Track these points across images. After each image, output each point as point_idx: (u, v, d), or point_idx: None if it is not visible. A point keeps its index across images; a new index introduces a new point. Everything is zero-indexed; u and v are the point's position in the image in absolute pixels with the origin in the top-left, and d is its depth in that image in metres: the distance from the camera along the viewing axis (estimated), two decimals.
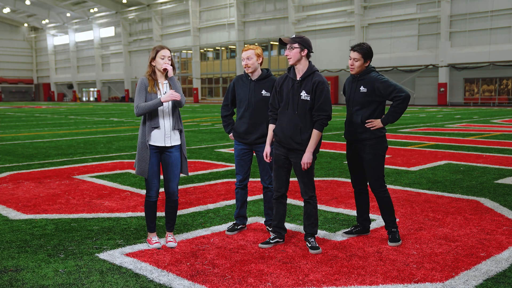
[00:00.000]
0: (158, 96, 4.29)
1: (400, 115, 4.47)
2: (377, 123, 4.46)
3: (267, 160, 4.48)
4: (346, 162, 4.84)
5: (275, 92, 4.42)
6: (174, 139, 4.39)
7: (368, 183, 4.71)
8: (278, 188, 4.43)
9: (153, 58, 4.33)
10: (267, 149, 4.46)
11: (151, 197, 4.42)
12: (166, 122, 4.34)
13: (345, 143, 4.74)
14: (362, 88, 4.45)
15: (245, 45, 4.91)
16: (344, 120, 4.80)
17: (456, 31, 38.96)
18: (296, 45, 4.20)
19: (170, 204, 4.49)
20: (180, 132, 4.45)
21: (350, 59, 4.47)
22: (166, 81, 4.42)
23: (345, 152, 10.80)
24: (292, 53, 4.21)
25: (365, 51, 4.42)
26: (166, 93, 4.27)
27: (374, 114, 4.49)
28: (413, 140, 13.00)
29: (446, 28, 38.80)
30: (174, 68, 4.38)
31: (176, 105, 4.39)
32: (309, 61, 4.31)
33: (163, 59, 4.32)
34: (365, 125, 4.46)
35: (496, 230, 4.81)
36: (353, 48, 4.46)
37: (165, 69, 4.33)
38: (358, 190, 4.75)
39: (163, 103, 4.25)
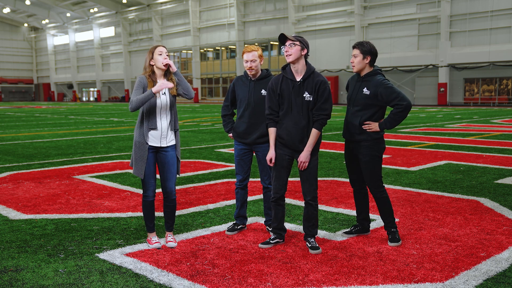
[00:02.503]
0: (158, 98, 4.27)
1: (399, 123, 4.40)
2: (374, 126, 4.40)
3: (271, 165, 4.40)
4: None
5: (273, 94, 4.32)
6: (169, 140, 4.39)
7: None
8: (277, 190, 4.37)
9: (151, 58, 4.31)
10: (272, 153, 4.34)
11: (149, 196, 4.42)
12: (163, 123, 4.33)
13: (344, 143, 4.72)
14: (365, 90, 4.39)
15: (246, 46, 4.83)
16: (343, 120, 4.78)
17: (456, 31, 38.97)
18: (297, 43, 4.19)
19: (168, 204, 4.49)
20: (175, 131, 4.45)
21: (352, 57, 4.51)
22: (165, 80, 4.40)
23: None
24: (293, 50, 4.18)
25: (364, 48, 4.39)
26: (156, 84, 4.24)
27: (373, 117, 4.43)
28: (413, 140, 13.00)
29: (446, 28, 38.81)
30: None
31: (186, 98, 4.41)
32: (307, 61, 4.30)
33: (161, 54, 4.29)
34: (362, 127, 4.41)
35: (496, 230, 4.81)
36: (353, 46, 4.48)
37: (166, 65, 4.29)
38: (356, 189, 4.74)
39: (155, 95, 4.21)
